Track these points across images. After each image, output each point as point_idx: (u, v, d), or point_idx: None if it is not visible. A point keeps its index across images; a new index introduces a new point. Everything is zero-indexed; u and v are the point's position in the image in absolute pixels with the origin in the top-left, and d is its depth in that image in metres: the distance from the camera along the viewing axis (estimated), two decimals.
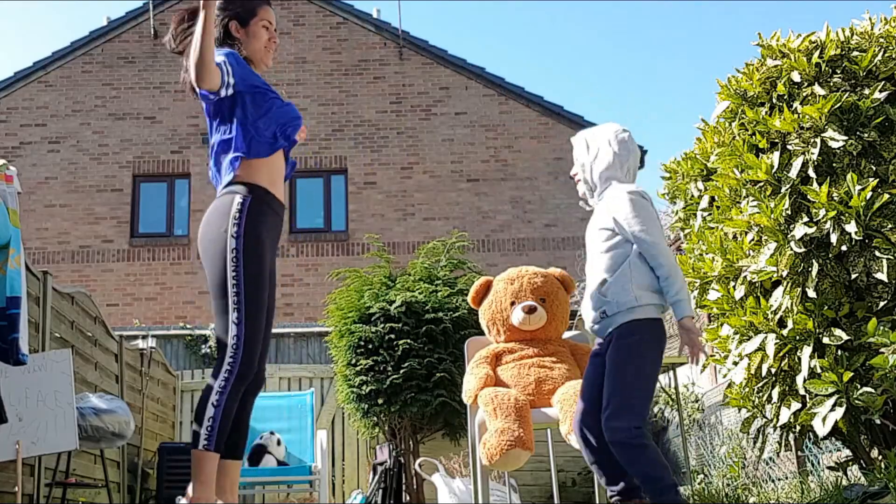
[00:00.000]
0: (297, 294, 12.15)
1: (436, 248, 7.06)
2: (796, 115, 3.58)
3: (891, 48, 3.67)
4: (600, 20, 27.72)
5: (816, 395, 3.43)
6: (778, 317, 3.58)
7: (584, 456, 3.08)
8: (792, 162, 3.59)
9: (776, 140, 3.69)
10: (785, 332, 3.54)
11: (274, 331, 3.58)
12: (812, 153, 3.52)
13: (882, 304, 3.41)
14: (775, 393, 3.71)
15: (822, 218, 3.43)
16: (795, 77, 3.71)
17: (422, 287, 6.54)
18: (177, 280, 12.52)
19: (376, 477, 6.51)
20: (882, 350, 3.27)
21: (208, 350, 10.34)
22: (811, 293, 3.48)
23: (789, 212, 3.57)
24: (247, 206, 2.77)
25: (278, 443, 6.54)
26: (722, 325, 3.92)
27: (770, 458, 5.56)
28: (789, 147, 3.62)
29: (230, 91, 2.81)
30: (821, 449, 4.87)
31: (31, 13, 27.36)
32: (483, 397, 3.61)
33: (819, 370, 3.43)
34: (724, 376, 4.03)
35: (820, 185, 3.47)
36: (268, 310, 2.85)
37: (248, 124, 2.86)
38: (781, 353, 3.59)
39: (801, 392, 3.54)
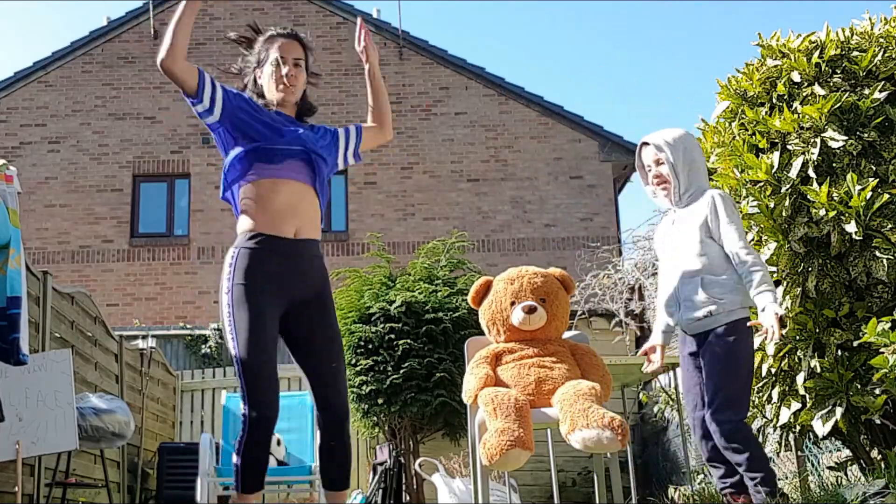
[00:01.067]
0: None
1: (436, 248, 7.06)
2: (796, 115, 3.58)
3: (891, 48, 3.67)
4: (600, 20, 27.74)
5: (816, 395, 3.43)
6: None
7: (701, 452, 3.34)
8: (792, 162, 3.59)
9: (776, 140, 3.69)
10: (784, 331, 3.54)
11: None
12: (812, 153, 3.52)
13: (882, 304, 3.41)
14: (775, 393, 3.71)
15: (822, 218, 3.43)
16: (795, 77, 3.71)
17: (422, 287, 6.54)
18: (177, 280, 12.52)
19: (376, 477, 6.51)
20: (882, 350, 3.27)
21: (208, 350, 10.34)
22: (811, 293, 3.48)
23: (789, 212, 3.57)
24: (235, 260, 2.83)
25: (278, 443, 6.53)
26: None
27: (770, 459, 5.55)
28: (789, 147, 3.62)
29: (215, 112, 2.90)
30: (821, 449, 4.87)
31: (31, 13, 27.38)
32: (483, 397, 3.60)
33: (819, 370, 3.43)
34: None
35: (820, 185, 3.47)
36: (319, 343, 2.89)
37: (227, 159, 2.94)
38: (781, 353, 3.59)
39: (801, 392, 3.54)
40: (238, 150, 2.91)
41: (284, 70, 3.00)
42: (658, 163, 3.33)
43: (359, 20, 3.20)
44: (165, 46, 2.88)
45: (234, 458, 2.81)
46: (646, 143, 3.41)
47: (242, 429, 2.77)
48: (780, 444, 4.00)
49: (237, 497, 2.83)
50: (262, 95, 3.05)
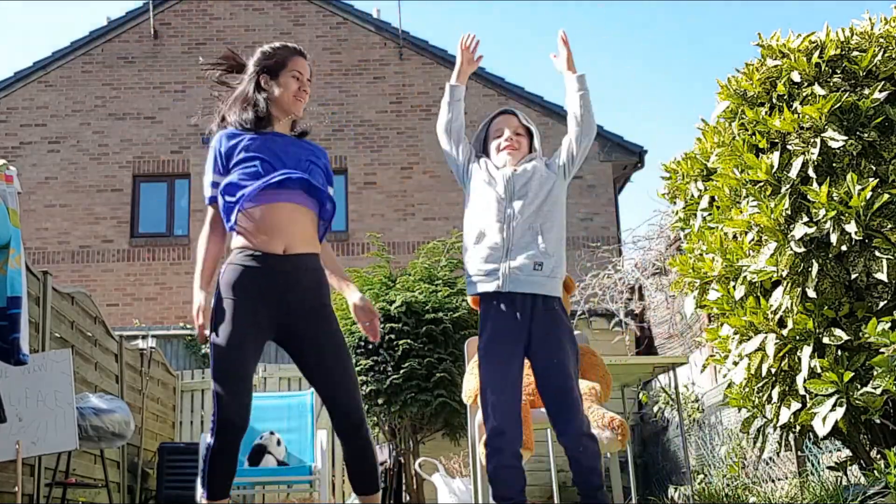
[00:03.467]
0: None
1: (436, 248, 7.06)
2: (796, 115, 3.58)
3: (891, 48, 3.67)
4: (600, 20, 27.72)
5: (816, 395, 3.43)
6: (778, 317, 3.58)
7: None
8: (792, 162, 3.59)
9: (776, 140, 3.69)
10: (785, 332, 3.54)
11: None
12: (812, 153, 3.52)
13: (882, 303, 3.41)
14: (775, 393, 3.71)
15: (822, 218, 3.43)
16: (795, 77, 3.71)
17: (422, 287, 6.54)
18: (177, 280, 12.51)
19: None
20: (882, 350, 3.27)
21: (208, 350, 10.34)
22: (811, 293, 3.48)
23: (789, 212, 3.57)
24: (221, 274, 2.91)
25: (278, 443, 6.53)
26: (722, 325, 3.92)
27: (770, 458, 5.56)
28: (789, 147, 3.62)
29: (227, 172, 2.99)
30: (821, 449, 4.87)
31: (31, 13, 27.38)
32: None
33: (819, 370, 3.43)
34: (724, 376, 4.03)
35: (820, 185, 3.47)
36: (326, 353, 2.90)
37: (226, 194, 2.98)
38: (781, 353, 3.59)
39: (801, 392, 3.54)
40: (236, 180, 2.95)
41: (304, 85, 3.06)
42: (517, 133, 3.14)
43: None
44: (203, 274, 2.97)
45: (201, 465, 2.87)
46: (506, 112, 3.24)
47: (211, 436, 2.81)
48: (780, 443, 4.00)
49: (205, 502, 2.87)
50: (269, 101, 3.03)
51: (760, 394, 3.81)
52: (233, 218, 2.92)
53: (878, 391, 3.25)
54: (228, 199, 2.95)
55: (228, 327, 2.81)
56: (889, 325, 3.29)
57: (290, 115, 3.06)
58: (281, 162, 2.94)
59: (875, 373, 3.26)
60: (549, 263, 2.92)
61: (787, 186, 3.58)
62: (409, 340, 6.23)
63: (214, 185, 3.02)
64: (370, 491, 3.00)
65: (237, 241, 2.95)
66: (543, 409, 3.66)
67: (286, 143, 3.03)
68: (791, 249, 3.50)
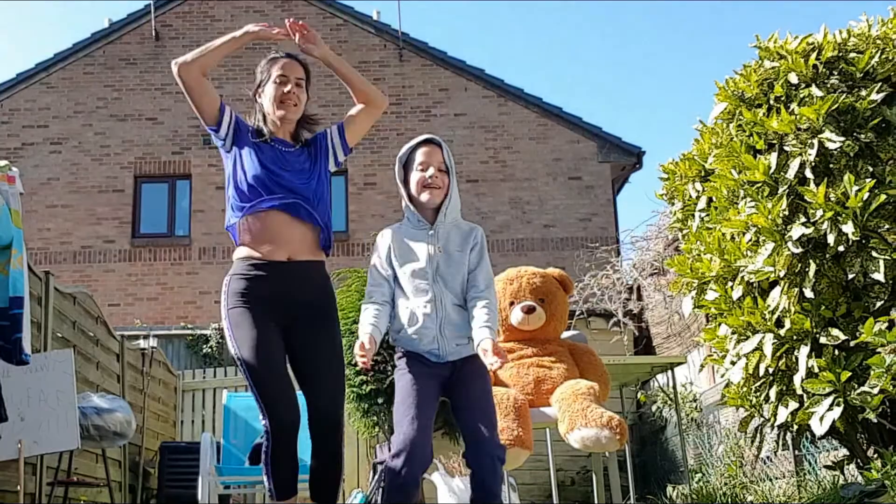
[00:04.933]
0: None
1: None
2: (794, 117, 3.59)
3: (888, 50, 3.69)
4: (600, 21, 27.74)
5: (814, 395, 3.45)
6: (775, 317, 3.60)
7: None
8: (789, 163, 3.61)
9: (774, 141, 3.70)
10: (782, 331, 3.56)
11: None
12: (809, 154, 3.54)
13: (879, 304, 3.43)
14: (773, 392, 3.72)
15: (820, 218, 3.45)
16: (793, 78, 3.73)
17: None
18: (178, 280, 12.54)
19: (376, 476, 6.53)
20: (879, 350, 3.29)
21: (209, 350, 10.36)
22: (808, 293, 3.50)
23: (787, 212, 3.58)
24: (228, 285, 2.95)
25: None
26: (720, 324, 3.94)
27: (767, 458, 5.58)
28: (787, 148, 3.64)
29: (227, 144, 3.02)
30: (818, 448, 4.89)
31: (31, 14, 27.40)
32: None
33: (816, 370, 3.45)
34: (722, 376, 4.04)
35: (817, 185, 3.49)
36: (320, 356, 2.94)
37: (231, 188, 3.01)
38: (779, 353, 3.61)
39: (799, 391, 3.56)
40: (235, 191, 3.00)
41: (286, 88, 3.04)
42: (441, 170, 2.99)
43: (287, 22, 3.13)
44: (190, 54, 2.98)
45: (263, 469, 2.86)
46: (433, 142, 3.05)
47: (266, 440, 2.82)
48: (777, 443, 4.03)
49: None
50: (264, 118, 3.08)
51: (758, 393, 3.83)
52: (236, 221, 2.98)
53: (875, 391, 3.26)
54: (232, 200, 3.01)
55: (251, 331, 2.84)
56: (886, 325, 3.31)
57: (283, 121, 3.06)
58: (280, 176, 2.98)
59: (872, 372, 3.27)
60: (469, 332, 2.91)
61: (785, 187, 3.60)
62: None
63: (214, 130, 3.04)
64: (329, 502, 2.99)
65: (240, 251, 2.99)
66: (543, 409, 3.69)
67: (286, 154, 3.06)
68: (788, 250, 3.52)
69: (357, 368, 6.37)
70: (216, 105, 3.01)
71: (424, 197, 2.97)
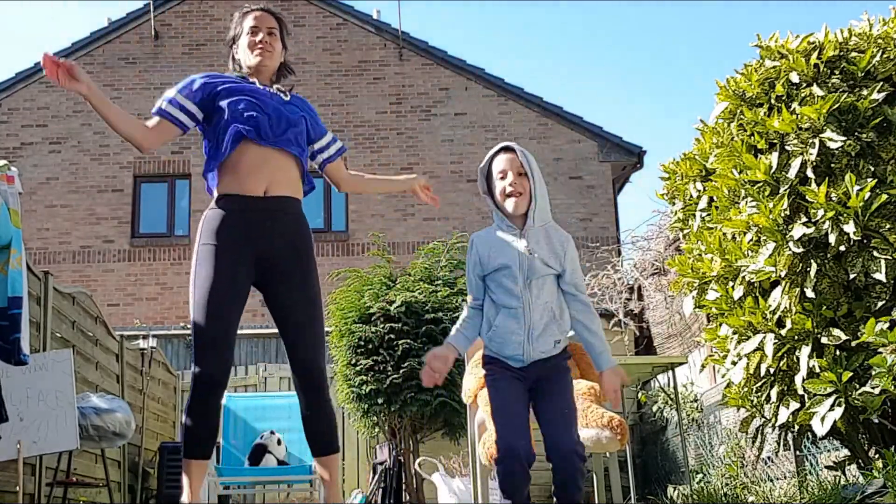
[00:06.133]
0: None
1: (436, 248, 7.07)
2: (795, 116, 3.59)
3: (889, 49, 3.68)
4: (600, 21, 27.73)
5: (815, 395, 3.44)
6: (776, 317, 3.59)
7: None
8: (790, 162, 3.60)
9: (775, 141, 3.70)
10: (783, 331, 3.55)
11: (274, 330, 3.61)
12: (810, 154, 3.54)
13: (880, 304, 3.42)
14: (774, 392, 3.72)
15: (821, 218, 3.44)
16: (794, 78, 3.72)
17: (422, 287, 6.55)
18: (177, 280, 12.53)
19: (376, 476, 6.52)
20: (880, 350, 3.28)
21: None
22: (809, 293, 3.49)
23: (788, 212, 3.58)
24: (203, 222, 2.93)
25: (279, 442, 6.55)
26: (721, 324, 3.93)
27: (768, 458, 5.57)
28: (788, 147, 3.63)
29: (199, 116, 3.04)
30: (819, 448, 4.88)
31: (31, 14, 27.39)
32: (482, 397, 3.61)
33: (817, 370, 3.44)
34: (723, 376, 4.04)
35: (818, 185, 3.48)
36: (296, 302, 2.89)
37: (210, 135, 3.04)
38: (780, 353, 3.60)
39: (800, 392, 3.55)
40: (219, 134, 3.00)
41: (259, 37, 3.09)
42: (520, 174, 2.97)
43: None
44: (132, 140, 3.01)
45: (182, 419, 2.82)
46: (510, 149, 3.03)
47: (191, 390, 2.78)
48: (778, 443, 4.02)
49: (184, 463, 2.81)
50: (241, 70, 3.14)
51: (759, 393, 3.82)
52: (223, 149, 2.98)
53: (877, 391, 3.26)
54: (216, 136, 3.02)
55: (209, 272, 2.80)
56: (887, 325, 3.30)
57: (259, 68, 3.09)
58: (263, 106, 2.98)
59: (873, 372, 3.27)
60: (565, 336, 2.95)
61: (786, 187, 3.59)
62: (408, 340, 6.24)
63: (172, 101, 3.03)
64: (328, 451, 2.96)
65: (219, 186, 2.97)
66: None
67: (266, 93, 3.06)
68: (789, 250, 3.51)
69: (357, 368, 6.36)
70: (176, 131, 3.10)
71: (509, 205, 2.98)
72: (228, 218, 2.88)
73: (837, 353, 3.46)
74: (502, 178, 2.99)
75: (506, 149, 3.04)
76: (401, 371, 6.18)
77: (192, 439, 2.80)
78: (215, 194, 2.99)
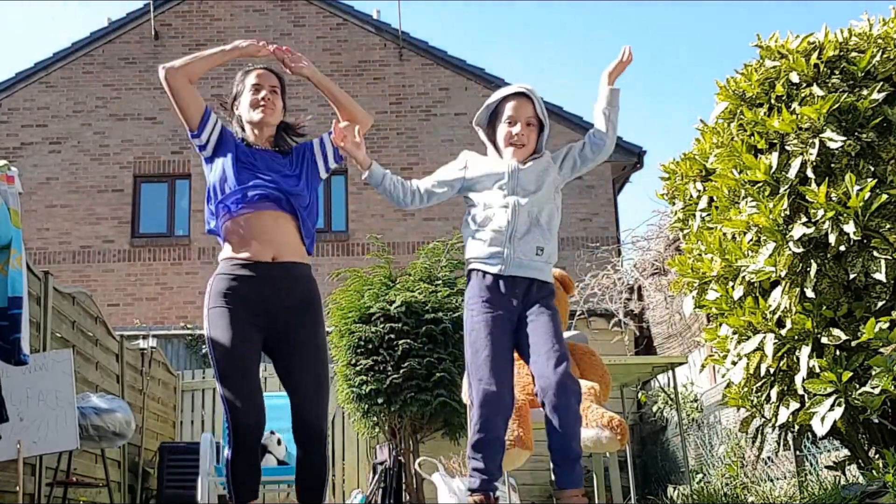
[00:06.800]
0: None
1: (436, 248, 7.07)
2: (795, 116, 3.59)
3: (889, 49, 3.68)
4: (600, 21, 27.73)
5: (815, 395, 3.44)
6: (776, 317, 3.59)
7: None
8: (790, 162, 3.60)
9: (775, 141, 3.70)
10: (783, 331, 3.55)
11: None
12: (810, 154, 3.53)
13: (880, 304, 3.42)
14: (774, 392, 3.72)
15: (821, 218, 3.44)
16: (794, 78, 3.72)
17: (422, 287, 6.55)
18: (177, 280, 12.53)
19: (376, 476, 6.52)
20: (880, 350, 3.28)
21: (208, 350, 10.35)
22: (810, 293, 3.49)
23: (788, 212, 3.58)
24: (212, 285, 3.01)
25: (279, 442, 6.55)
26: (721, 324, 3.93)
27: (769, 458, 5.57)
28: (788, 147, 3.63)
29: (208, 149, 3.09)
30: (819, 448, 4.88)
31: (31, 14, 27.39)
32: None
33: (818, 370, 3.44)
34: (723, 376, 4.04)
35: (818, 185, 3.48)
36: (303, 358, 2.96)
37: (211, 192, 3.07)
38: (780, 353, 3.60)
39: (800, 392, 3.55)
40: (218, 191, 3.05)
41: (262, 94, 3.13)
42: (528, 124, 2.94)
43: (272, 48, 3.19)
44: (178, 61, 3.09)
45: (226, 472, 2.90)
46: (525, 95, 2.95)
47: (229, 444, 2.85)
48: (778, 443, 4.02)
49: None
50: (243, 128, 3.18)
51: (759, 393, 3.82)
52: (219, 221, 3.03)
53: (877, 391, 3.26)
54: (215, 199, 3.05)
55: (226, 332, 2.88)
56: (887, 324, 3.30)
57: (262, 125, 3.13)
58: (264, 173, 3.04)
59: (873, 372, 3.27)
60: (548, 249, 2.93)
61: (786, 187, 3.59)
62: (408, 340, 6.24)
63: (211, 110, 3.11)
64: (311, 502, 3.02)
65: (225, 251, 3.03)
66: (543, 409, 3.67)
67: (267, 158, 3.11)
68: (790, 250, 3.51)
69: (357, 369, 6.36)
70: (201, 111, 3.09)
71: (508, 153, 2.95)
72: (237, 282, 2.96)
73: (837, 353, 3.46)
74: (510, 125, 2.94)
75: (521, 94, 2.97)
76: (401, 371, 6.18)
77: (240, 487, 2.88)
78: (224, 254, 3.04)
